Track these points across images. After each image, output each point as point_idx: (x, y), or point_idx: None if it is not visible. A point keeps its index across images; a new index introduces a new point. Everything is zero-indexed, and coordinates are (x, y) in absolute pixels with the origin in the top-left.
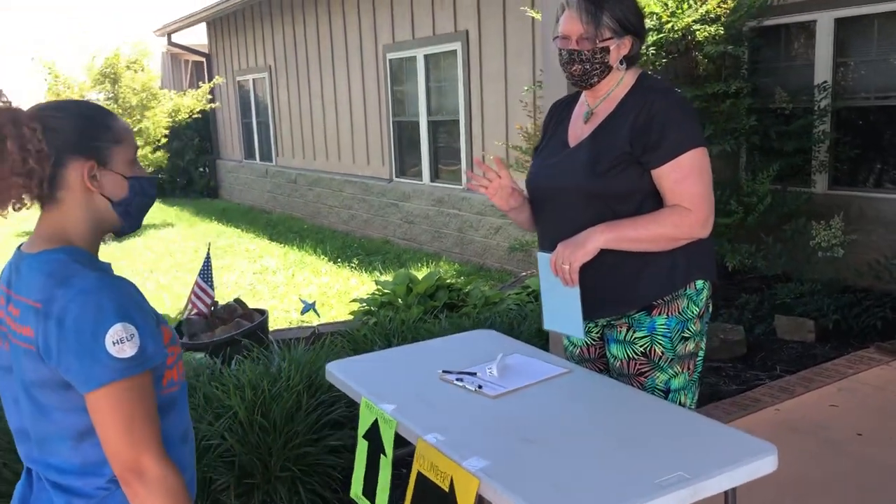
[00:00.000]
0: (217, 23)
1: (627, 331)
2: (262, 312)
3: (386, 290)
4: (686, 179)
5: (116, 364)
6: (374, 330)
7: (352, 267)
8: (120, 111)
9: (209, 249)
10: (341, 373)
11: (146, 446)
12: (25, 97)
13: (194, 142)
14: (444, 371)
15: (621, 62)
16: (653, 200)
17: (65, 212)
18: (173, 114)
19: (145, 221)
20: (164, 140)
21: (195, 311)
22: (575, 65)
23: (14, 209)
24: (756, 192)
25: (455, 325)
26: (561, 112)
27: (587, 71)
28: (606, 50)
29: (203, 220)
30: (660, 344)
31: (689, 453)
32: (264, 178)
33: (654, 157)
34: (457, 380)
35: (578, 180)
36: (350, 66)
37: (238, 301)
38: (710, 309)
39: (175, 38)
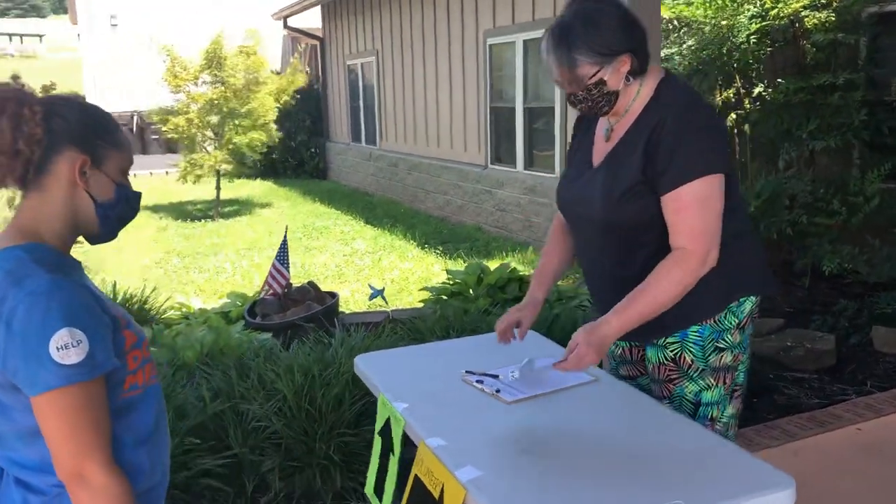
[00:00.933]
0: (330, 6)
1: None
2: (333, 296)
3: (457, 280)
4: (683, 211)
5: (60, 370)
6: (435, 320)
7: (437, 253)
8: (228, 93)
9: (286, 232)
10: (366, 366)
11: (90, 454)
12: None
13: (306, 123)
14: (466, 371)
15: (628, 78)
16: None
17: (45, 201)
18: (278, 95)
19: (247, 198)
20: (271, 122)
21: (271, 291)
22: (577, 105)
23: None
24: (864, 191)
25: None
26: (589, 117)
27: (591, 107)
28: (601, 82)
29: (308, 201)
30: (690, 352)
31: (695, 479)
32: (368, 161)
33: (660, 185)
34: (477, 381)
35: (596, 209)
36: (451, 51)
37: (311, 283)
38: (754, 319)
39: (291, 21)
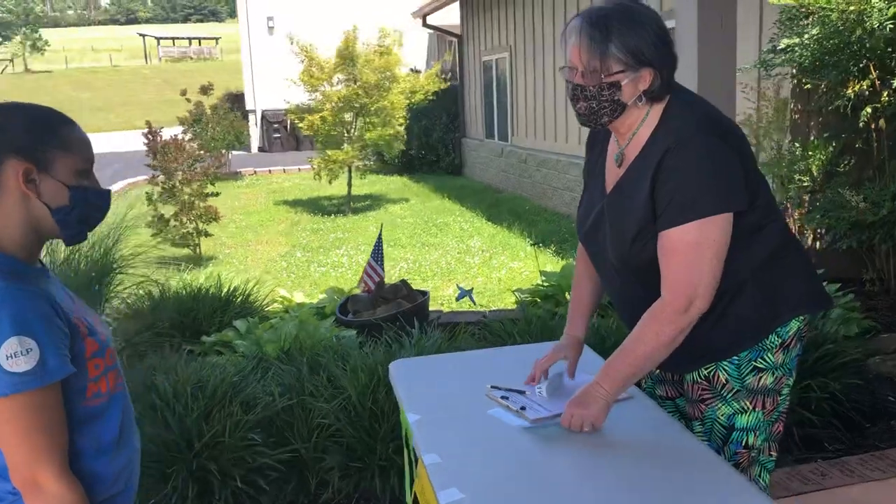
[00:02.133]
0: (468, 3)
1: None
2: (424, 294)
3: (551, 283)
4: (668, 257)
5: (9, 378)
6: (518, 324)
7: (551, 253)
8: (359, 91)
9: (381, 230)
10: (397, 373)
11: (44, 462)
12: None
13: (442, 120)
14: (492, 386)
15: (640, 98)
16: None
17: (1, 211)
18: (410, 94)
19: (381, 194)
20: (402, 120)
21: (364, 288)
22: (580, 101)
23: None
24: None
25: (603, 327)
26: (603, 135)
27: (594, 109)
28: (617, 86)
29: (437, 197)
30: (725, 370)
31: None
32: (499, 157)
33: (659, 225)
34: (502, 397)
35: (606, 247)
36: None
37: (403, 282)
38: (803, 338)
39: (430, 19)
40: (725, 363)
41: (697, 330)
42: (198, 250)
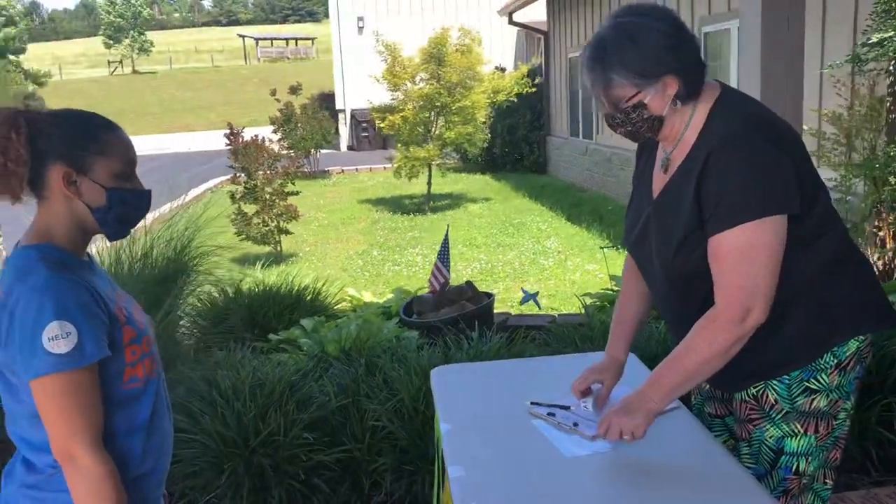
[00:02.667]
0: (555, 0)
1: None
2: (489, 296)
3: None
4: (720, 262)
5: (50, 358)
6: (574, 329)
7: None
8: (441, 90)
9: (447, 231)
10: (438, 380)
11: (78, 436)
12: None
13: (526, 117)
14: (532, 403)
15: (674, 103)
16: None
17: (50, 210)
18: (493, 94)
19: (461, 192)
20: (482, 119)
21: (430, 289)
22: (617, 128)
23: (11, 202)
24: None
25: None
26: (650, 144)
27: (632, 132)
28: (641, 105)
29: (518, 196)
30: (774, 390)
31: None
32: (584, 155)
33: (706, 230)
34: (548, 414)
35: (652, 256)
36: None
37: (469, 283)
38: (865, 359)
39: (517, 16)
40: (775, 382)
41: (746, 345)
42: (278, 248)
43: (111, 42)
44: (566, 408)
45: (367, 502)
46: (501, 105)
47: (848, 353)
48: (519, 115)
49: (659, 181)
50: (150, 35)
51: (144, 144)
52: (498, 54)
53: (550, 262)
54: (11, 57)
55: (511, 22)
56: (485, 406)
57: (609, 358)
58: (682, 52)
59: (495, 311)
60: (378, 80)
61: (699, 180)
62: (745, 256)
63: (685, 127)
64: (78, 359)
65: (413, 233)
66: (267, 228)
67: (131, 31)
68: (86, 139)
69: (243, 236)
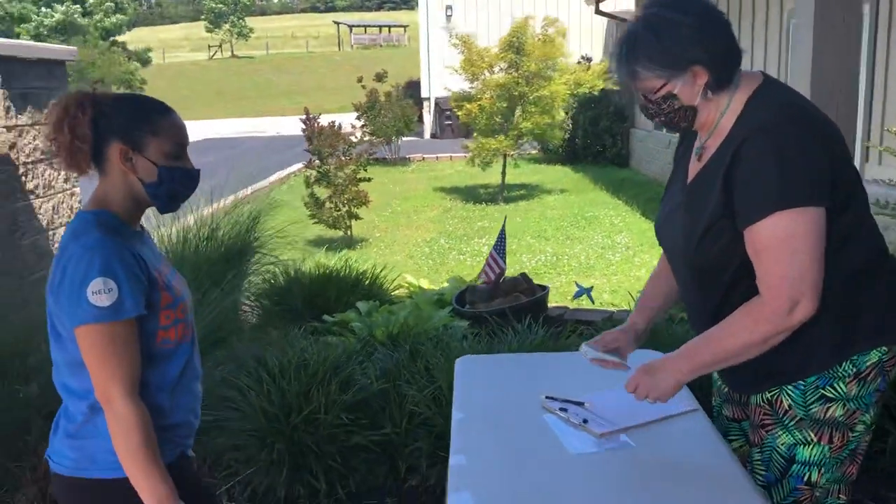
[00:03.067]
0: None
1: None
2: (543, 289)
3: None
4: (761, 252)
5: (93, 309)
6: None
7: None
8: (519, 79)
9: (504, 223)
10: (461, 369)
11: (115, 382)
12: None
13: (609, 109)
14: (547, 397)
15: (705, 93)
16: None
17: (108, 182)
18: (574, 86)
19: (537, 183)
20: (561, 112)
21: (484, 280)
22: (653, 118)
23: (79, 174)
24: None
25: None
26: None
27: (665, 122)
28: (671, 96)
29: (595, 189)
30: (788, 395)
31: None
32: (666, 148)
33: (739, 222)
34: (560, 409)
35: (677, 246)
36: (754, 33)
37: (524, 275)
38: (888, 372)
39: (603, 6)
40: (790, 387)
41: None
42: (349, 232)
43: (212, 27)
44: (580, 404)
45: (402, 486)
46: (584, 96)
47: (868, 364)
48: (602, 106)
49: (693, 168)
50: (250, 21)
51: (240, 126)
52: (587, 44)
53: (618, 257)
54: (118, 38)
55: (598, 11)
56: (500, 397)
57: (629, 323)
58: (710, 43)
59: (554, 304)
60: (456, 71)
61: (729, 167)
62: (786, 245)
63: (721, 115)
64: (117, 312)
65: (483, 222)
66: (338, 213)
67: (231, 17)
68: (141, 121)
69: (316, 220)
